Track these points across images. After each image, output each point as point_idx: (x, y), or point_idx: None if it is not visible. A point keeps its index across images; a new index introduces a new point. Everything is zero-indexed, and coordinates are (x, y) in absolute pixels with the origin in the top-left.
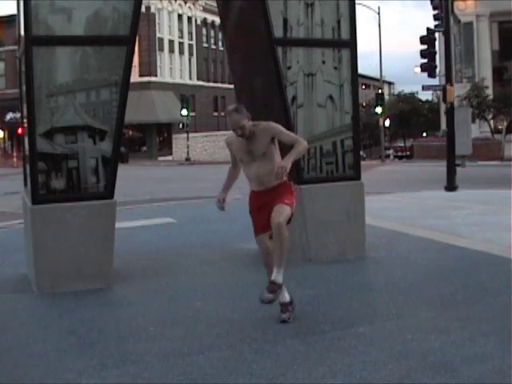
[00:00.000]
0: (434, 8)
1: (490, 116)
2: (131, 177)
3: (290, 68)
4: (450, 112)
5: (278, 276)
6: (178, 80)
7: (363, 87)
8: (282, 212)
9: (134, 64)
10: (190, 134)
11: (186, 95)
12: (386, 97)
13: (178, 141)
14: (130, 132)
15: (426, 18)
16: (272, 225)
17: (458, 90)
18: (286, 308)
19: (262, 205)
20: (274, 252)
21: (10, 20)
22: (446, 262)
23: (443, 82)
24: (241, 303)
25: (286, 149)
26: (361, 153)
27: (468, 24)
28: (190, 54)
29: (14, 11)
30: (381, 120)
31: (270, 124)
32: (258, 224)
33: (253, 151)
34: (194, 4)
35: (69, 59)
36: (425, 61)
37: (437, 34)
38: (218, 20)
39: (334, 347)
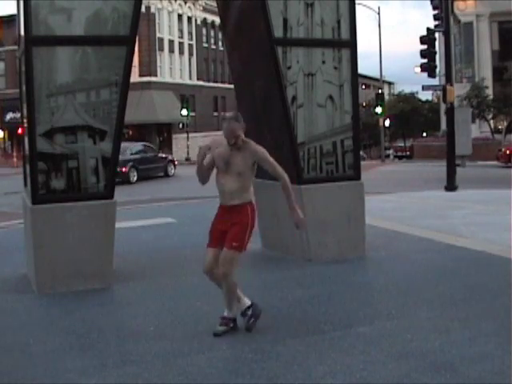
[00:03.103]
0: (434, 8)
1: (490, 116)
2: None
3: (290, 68)
4: (450, 112)
5: (229, 313)
6: (178, 80)
7: (363, 87)
8: (229, 261)
9: (134, 64)
10: (190, 134)
11: (185, 95)
12: (386, 97)
13: (178, 141)
14: (130, 132)
15: (426, 18)
16: (220, 273)
17: (458, 89)
18: (228, 321)
19: (220, 223)
20: (223, 292)
21: (10, 20)
22: (446, 262)
23: (443, 81)
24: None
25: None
26: (361, 153)
27: (468, 24)
28: (190, 54)
29: (14, 11)
30: (381, 120)
31: (259, 149)
32: (213, 237)
33: (231, 164)
34: (193, 4)
35: (69, 59)
36: (425, 61)
37: (437, 34)
38: (218, 20)
39: (334, 347)
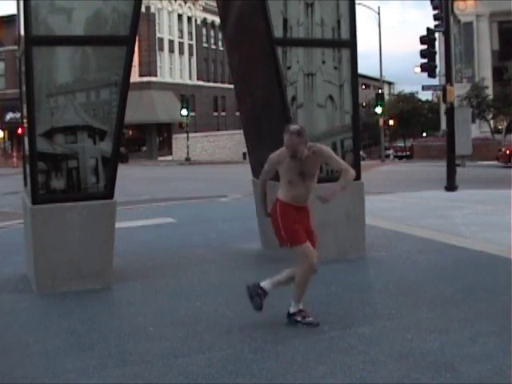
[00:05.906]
0: (434, 8)
1: (490, 116)
2: (130, 176)
3: (290, 68)
4: (450, 112)
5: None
6: (177, 80)
7: (363, 87)
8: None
9: (133, 64)
10: (190, 134)
11: (185, 95)
12: (386, 97)
13: (178, 141)
14: (130, 132)
15: (426, 18)
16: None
17: (458, 89)
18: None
19: (299, 218)
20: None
21: (10, 20)
22: (446, 262)
23: (443, 81)
24: (241, 303)
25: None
26: (360, 153)
27: (468, 24)
28: (190, 54)
29: (14, 11)
30: (381, 120)
31: (323, 148)
32: (302, 233)
33: (306, 172)
34: (193, 4)
35: (69, 59)
36: (425, 61)
37: (437, 34)
38: (218, 20)
39: (333, 347)
